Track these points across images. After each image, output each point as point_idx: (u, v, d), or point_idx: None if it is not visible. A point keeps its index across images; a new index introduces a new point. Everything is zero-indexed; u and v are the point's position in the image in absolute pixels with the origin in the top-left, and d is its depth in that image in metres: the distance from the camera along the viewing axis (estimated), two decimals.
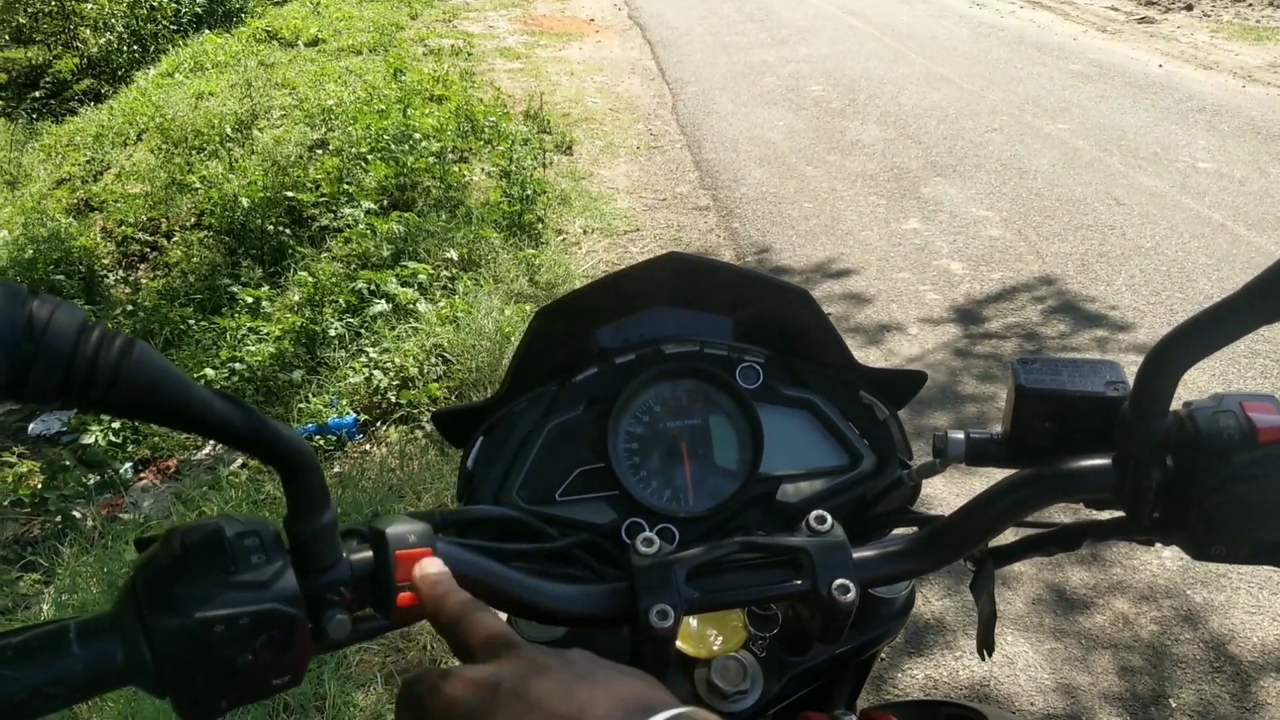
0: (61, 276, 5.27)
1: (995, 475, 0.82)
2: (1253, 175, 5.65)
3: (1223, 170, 5.77)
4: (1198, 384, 3.56)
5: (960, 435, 0.84)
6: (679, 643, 0.85)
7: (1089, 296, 4.34)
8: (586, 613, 0.73)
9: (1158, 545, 0.78)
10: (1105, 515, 0.79)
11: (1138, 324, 4.04)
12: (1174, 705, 2.26)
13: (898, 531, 0.92)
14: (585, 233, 5.48)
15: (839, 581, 0.71)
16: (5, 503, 3.43)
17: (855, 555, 0.75)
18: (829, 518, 0.76)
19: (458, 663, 0.56)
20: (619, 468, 0.94)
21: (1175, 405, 0.73)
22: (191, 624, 0.55)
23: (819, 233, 5.28)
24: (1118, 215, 5.20)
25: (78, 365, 0.47)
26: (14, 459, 3.73)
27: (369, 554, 0.65)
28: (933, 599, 2.65)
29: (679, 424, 0.97)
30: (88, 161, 7.50)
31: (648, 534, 0.76)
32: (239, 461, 3.66)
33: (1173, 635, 2.47)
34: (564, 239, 5.39)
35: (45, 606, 2.58)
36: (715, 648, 0.86)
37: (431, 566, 0.62)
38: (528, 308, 4.36)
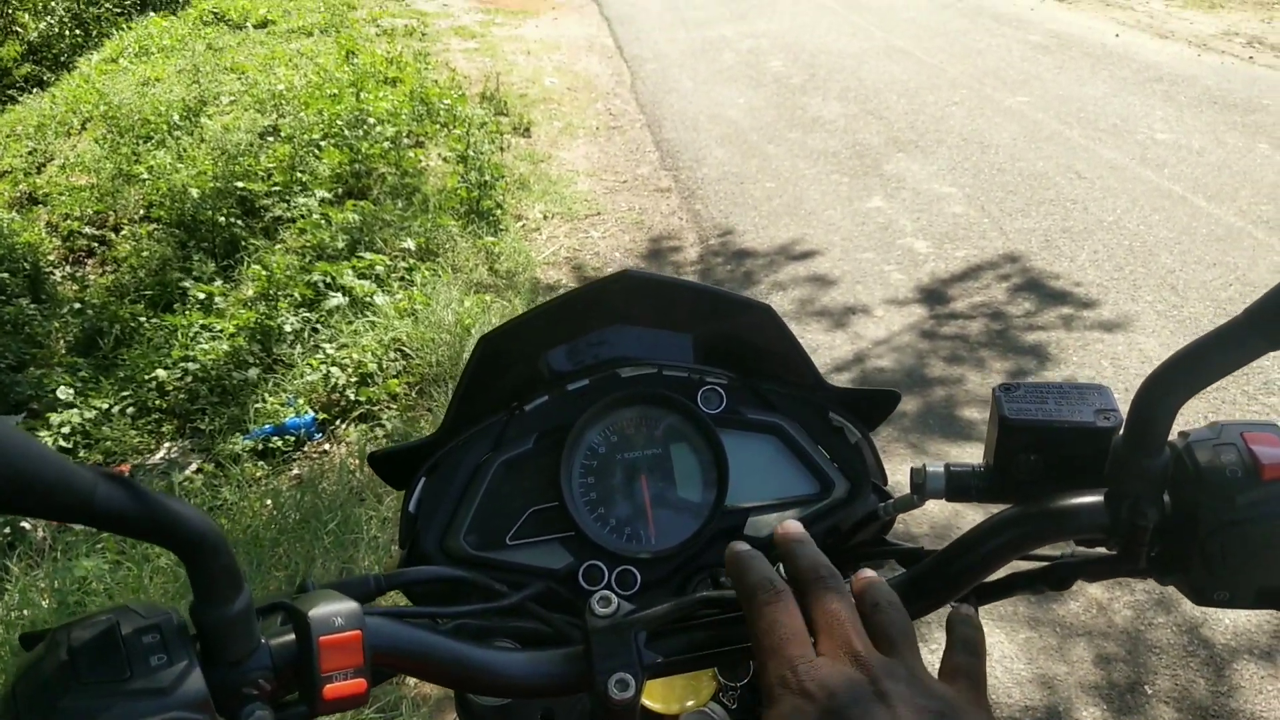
0: (5, 275, 5.09)
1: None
2: (1210, 145, 5.66)
3: (1181, 141, 5.77)
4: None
5: (939, 469, 0.78)
6: (645, 699, 0.79)
7: (1053, 273, 4.32)
8: (540, 684, 0.67)
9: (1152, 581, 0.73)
10: (1099, 550, 0.74)
11: (1102, 300, 4.02)
12: (1150, 692, 2.25)
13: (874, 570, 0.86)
14: (545, 218, 5.38)
15: None
16: None
17: None
18: None
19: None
20: (574, 507, 0.87)
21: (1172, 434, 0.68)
22: None
23: (782, 213, 5.23)
24: (1079, 189, 5.19)
25: None
26: None
27: (291, 637, 0.58)
28: None
29: (638, 454, 0.91)
30: (30, 152, 7.27)
31: (604, 592, 0.69)
32: (194, 466, 3.56)
33: (1146, 620, 2.45)
34: (524, 225, 5.29)
35: None
36: (687, 704, 0.80)
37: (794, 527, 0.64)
38: (488, 298, 4.27)
